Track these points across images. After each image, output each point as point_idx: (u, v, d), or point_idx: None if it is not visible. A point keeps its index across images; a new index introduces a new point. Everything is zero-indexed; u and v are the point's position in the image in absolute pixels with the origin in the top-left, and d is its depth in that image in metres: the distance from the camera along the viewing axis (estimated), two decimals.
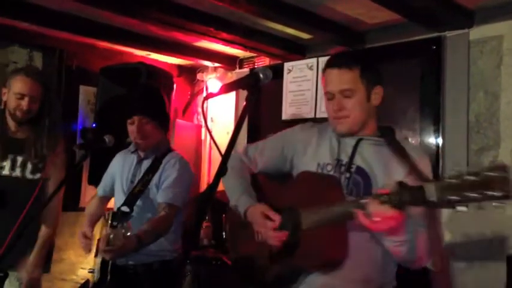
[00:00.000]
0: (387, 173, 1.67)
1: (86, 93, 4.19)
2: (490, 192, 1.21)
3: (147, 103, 2.46)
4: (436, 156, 3.17)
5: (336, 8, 3.21)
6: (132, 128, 2.42)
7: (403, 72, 3.37)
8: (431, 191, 1.31)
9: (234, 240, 2.07)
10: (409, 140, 1.87)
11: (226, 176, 1.89)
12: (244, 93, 1.45)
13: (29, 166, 2.55)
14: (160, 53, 4.36)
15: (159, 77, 3.65)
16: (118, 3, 3.16)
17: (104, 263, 2.40)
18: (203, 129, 4.82)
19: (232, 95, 4.47)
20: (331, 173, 1.75)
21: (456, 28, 3.16)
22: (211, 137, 1.54)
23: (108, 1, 3.14)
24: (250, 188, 1.90)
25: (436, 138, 3.22)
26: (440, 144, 3.19)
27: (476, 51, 3.15)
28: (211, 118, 4.71)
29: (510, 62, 3.05)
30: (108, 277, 2.38)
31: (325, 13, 3.30)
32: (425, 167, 1.68)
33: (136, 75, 3.54)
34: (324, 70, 1.79)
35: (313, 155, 1.82)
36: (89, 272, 2.67)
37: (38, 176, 2.57)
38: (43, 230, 2.58)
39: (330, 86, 1.76)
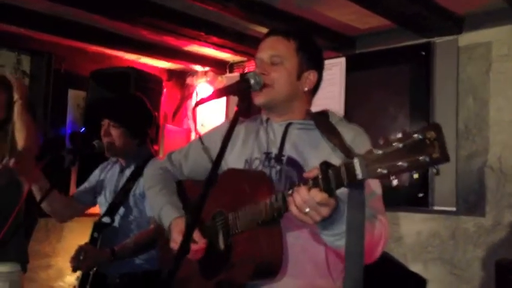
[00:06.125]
0: (319, 157, 1.42)
1: (75, 98, 4.15)
2: (419, 158, 1.01)
3: (120, 110, 2.47)
4: None
5: (327, 13, 3.21)
6: (102, 129, 2.45)
7: (393, 78, 3.38)
8: (357, 167, 1.12)
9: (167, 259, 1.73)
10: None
11: (147, 186, 1.80)
12: (235, 97, 1.43)
13: None
14: (151, 57, 4.33)
15: (148, 82, 3.63)
16: (109, 7, 3.14)
17: (86, 272, 2.38)
18: (193, 134, 4.80)
19: (222, 99, 4.46)
20: (259, 168, 1.57)
21: (445, 34, 3.18)
22: (202, 143, 1.51)
23: (98, 5, 3.12)
24: (175, 197, 1.69)
25: None
26: None
27: (465, 58, 3.17)
28: (202, 123, 4.69)
29: (499, 69, 3.07)
30: (87, 287, 2.35)
31: (316, 18, 3.30)
32: (360, 143, 1.49)
33: (125, 80, 3.52)
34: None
35: (240, 152, 1.64)
36: (76, 279, 2.64)
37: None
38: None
39: (260, 53, 1.62)
